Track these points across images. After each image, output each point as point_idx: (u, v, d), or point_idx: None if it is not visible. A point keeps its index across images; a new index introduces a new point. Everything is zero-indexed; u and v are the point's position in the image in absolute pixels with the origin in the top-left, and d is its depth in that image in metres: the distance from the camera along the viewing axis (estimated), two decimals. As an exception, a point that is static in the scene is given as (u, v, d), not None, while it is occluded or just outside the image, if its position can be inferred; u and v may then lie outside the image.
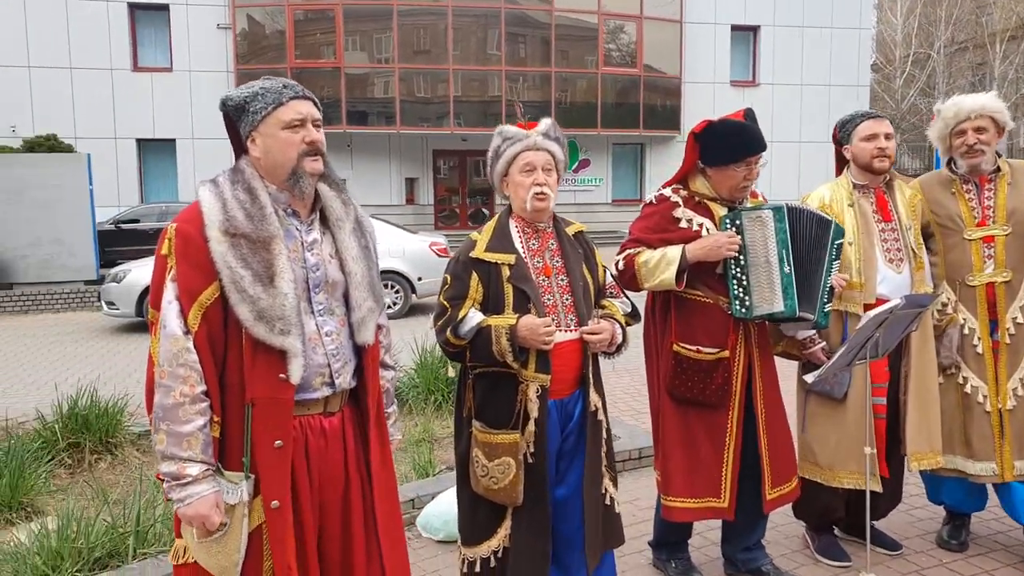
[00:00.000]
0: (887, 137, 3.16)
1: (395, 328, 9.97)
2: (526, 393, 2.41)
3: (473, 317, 2.42)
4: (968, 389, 3.26)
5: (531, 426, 2.41)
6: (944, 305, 3.25)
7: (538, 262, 2.53)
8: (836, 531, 3.47)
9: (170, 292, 1.82)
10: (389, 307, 10.25)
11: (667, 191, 3.04)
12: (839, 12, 24.84)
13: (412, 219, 21.76)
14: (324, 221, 2.01)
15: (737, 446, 2.98)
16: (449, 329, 2.43)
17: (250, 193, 1.88)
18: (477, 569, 2.51)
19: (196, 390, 1.78)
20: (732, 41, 24.41)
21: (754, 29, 24.64)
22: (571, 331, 2.49)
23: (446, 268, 2.53)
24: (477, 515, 2.52)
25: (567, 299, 2.51)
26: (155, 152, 21.42)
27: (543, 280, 2.51)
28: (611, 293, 2.73)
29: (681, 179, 3.07)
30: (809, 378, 2.79)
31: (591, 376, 2.54)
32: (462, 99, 22.34)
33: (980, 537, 3.51)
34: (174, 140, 21.16)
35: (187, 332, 1.79)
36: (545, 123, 2.55)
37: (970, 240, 3.19)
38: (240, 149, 1.99)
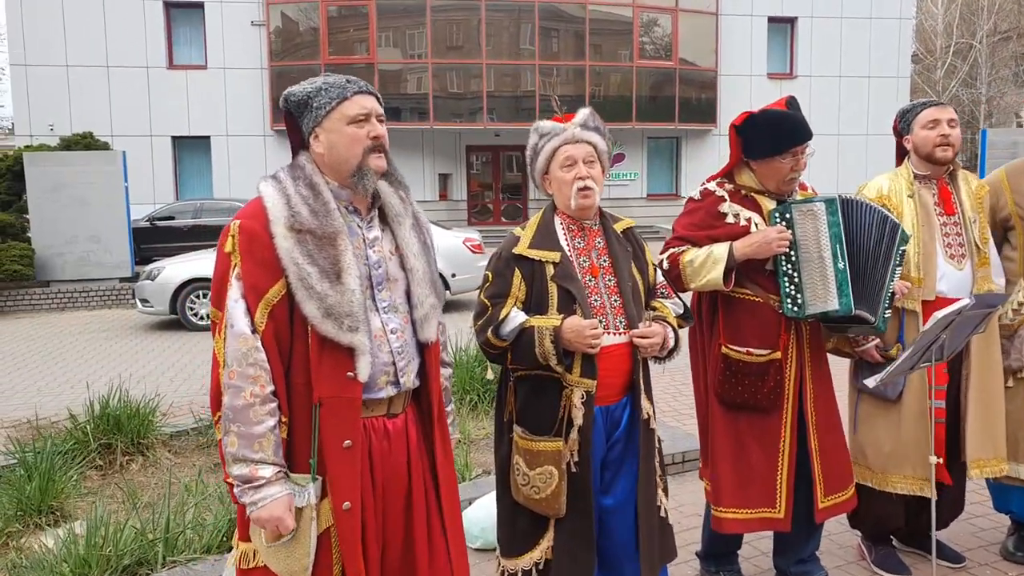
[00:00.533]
0: (951, 124, 2.96)
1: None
2: (570, 399, 2.27)
3: (515, 317, 2.29)
4: (1040, 393, 3.06)
5: (575, 434, 2.27)
6: (1021, 304, 3.04)
7: (584, 261, 2.39)
8: (894, 542, 3.29)
9: (236, 290, 1.77)
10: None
11: (711, 185, 2.88)
12: (879, 2, 24.28)
13: (445, 215, 21.72)
14: (383, 218, 1.98)
15: (792, 452, 2.82)
16: (490, 329, 2.30)
17: (312, 189, 1.84)
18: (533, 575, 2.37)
19: (266, 390, 1.75)
20: (769, 33, 23.98)
21: (791, 21, 24.18)
22: (620, 334, 2.34)
23: (487, 265, 2.40)
24: (517, 525, 2.38)
25: (615, 300, 2.36)
26: (190, 149, 21.64)
27: (590, 280, 2.36)
28: (662, 293, 2.58)
29: (727, 173, 2.91)
30: (870, 382, 2.61)
31: (641, 382, 2.39)
32: (495, 94, 22.24)
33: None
34: (208, 137, 21.35)
35: (255, 331, 1.76)
36: (583, 113, 2.41)
37: (1055, 235, 2.98)
38: (299, 146, 1.95)
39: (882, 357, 2.95)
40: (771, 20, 23.95)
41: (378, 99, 1.93)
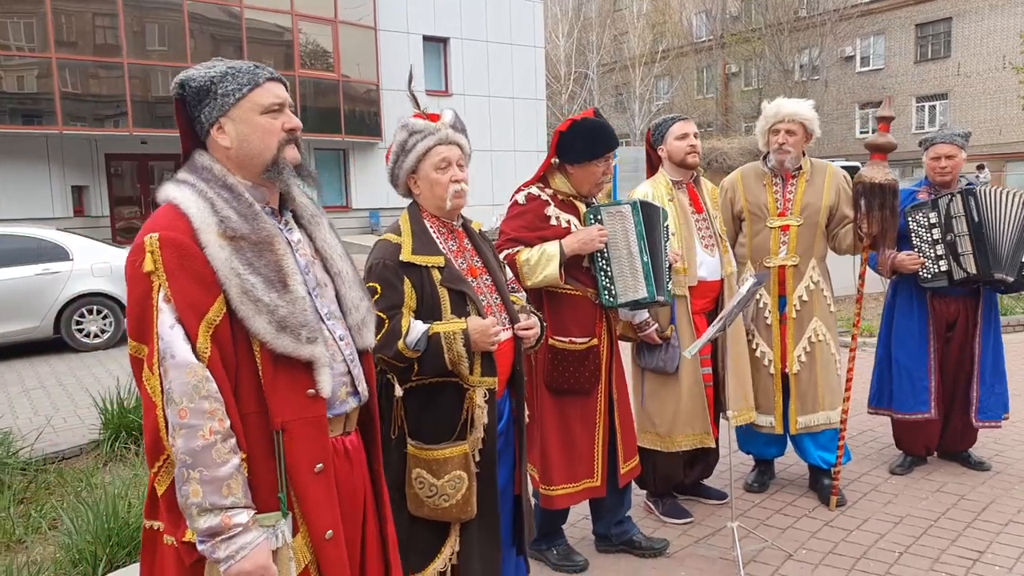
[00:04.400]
0: (695, 136, 3.56)
1: (109, 360, 8.87)
2: (473, 399, 2.29)
3: (416, 326, 2.24)
4: (758, 354, 3.82)
5: (478, 432, 2.30)
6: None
7: (462, 263, 2.41)
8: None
9: (168, 315, 1.52)
10: (96, 336, 8.93)
11: (534, 190, 3.11)
12: (517, 30, 26.94)
13: (83, 233, 19.03)
14: (296, 219, 1.81)
15: (605, 427, 3.17)
16: (400, 341, 2.22)
17: (230, 191, 1.64)
18: None
19: (225, 425, 1.53)
20: (425, 51, 25.19)
21: (444, 40, 25.71)
22: (506, 329, 2.43)
23: (367, 276, 2.27)
24: (415, 540, 2.31)
25: (496, 298, 2.44)
26: None
27: (471, 281, 2.40)
28: (513, 288, 2.72)
29: (540, 179, 3.16)
30: (688, 352, 3.06)
31: (523, 373, 2.50)
32: (141, 98, 20.12)
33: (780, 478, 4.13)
34: None
35: (199, 359, 1.52)
36: (450, 114, 2.43)
37: (771, 228, 3.74)
38: (191, 141, 1.70)
39: (660, 338, 3.44)
40: (426, 39, 25.19)
41: (286, 86, 1.77)
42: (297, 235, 1.78)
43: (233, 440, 1.54)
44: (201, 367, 1.52)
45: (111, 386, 5.48)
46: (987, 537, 3.41)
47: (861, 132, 33.91)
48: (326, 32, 23.04)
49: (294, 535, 1.63)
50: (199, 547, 1.52)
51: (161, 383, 1.52)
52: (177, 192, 1.62)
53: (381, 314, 2.20)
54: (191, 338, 1.52)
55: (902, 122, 34.17)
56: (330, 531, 1.66)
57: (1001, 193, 3.86)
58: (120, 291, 9.22)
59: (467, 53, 25.90)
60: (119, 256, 9.57)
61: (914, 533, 3.48)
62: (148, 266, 1.53)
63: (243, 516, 1.53)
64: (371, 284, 2.25)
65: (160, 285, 1.53)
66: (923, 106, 33.48)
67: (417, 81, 24.79)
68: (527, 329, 2.43)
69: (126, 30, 19.57)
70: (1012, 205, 3.82)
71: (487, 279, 2.44)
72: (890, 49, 34.87)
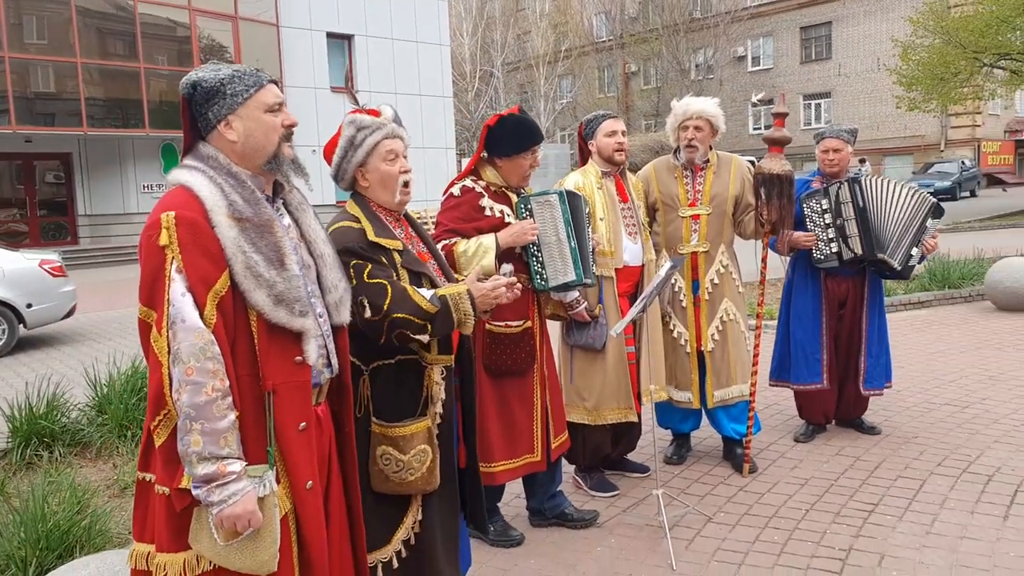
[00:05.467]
0: (623, 133, 3.79)
1: (4, 369, 8.45)
2: (431, 377, 2.42)
3: (422, 291, 2.36)
4: (675, 334, 4.08)
5: (436, 408, 2.43)
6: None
7: (412, 249, 2.53)
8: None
9: (179, 284, 1.71)
10: (-11, 344, 8.47)
11: (468, 182, 3.26)
12: (422, 27, 26.86)
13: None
14: (285, 206, 2.01)
15: (542, 404, 3.35)
16: (419, 297, 2.31)
17: (235, 178, 1.84)
18: (394, 565, 2.43)
19: (225, 384, 1.72)
20: (329, 48, 24.83)
21: (349, 38, 25.40)
22: None
23: (348, 258, 2.30)
24: (380, 514, 2.40)
25: (442, 281, 2.57)
26: None
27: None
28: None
29: (472, 172, 3.31)
30: (614, 331, 3.26)
31: (473, 352, 2.65)
32: (22, 94, 19.02)
33: (697, 450, 4.42)
34: None
35: (205, 325, 1.72)
36: (391, 110, 2.55)
37: (683, 217, 4.00)
38: (196, 135, 1.88)
39: (590, 317, 3.64)
40: (330, 35, 24.83)
41: (279, 88, 1.96)
42: (288, 220, 1.97)
43: (231, 398, 1.72)
44: (207, 331, 1.69)
45: (11, 395, 5.28)
46: (879, 492, 3.78)
47: (754, 129, 35.58)
48: (226, 28, 22.40)
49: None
50: (195, 492, 1.68)
51: (169, 344, 1.68)
52: (190, 176, 1.80)
53: (381, 280, 2.31)
54: (199, 306, 1.70)
55: (791, 118, 36.08)
56: (310, 482, 1.85)
57: (883, 182, 4.28)
58: (13, 295, 8.79)
59: (372, 50, 25.69)
60: (10, 260, 9.10)
61: (818, 492, 3.81)
62: (164, 240, 1.70)
63: (236, 466, 1.70)
64: (357, 261, 2.32)
65: (173, 258, 1.70)
66: (810, 104, 35.44)
67: (322, 78, 24.44)
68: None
69: (5, 23, 18.44)
70: (896, 194, 4.23)
71: (434, 264, 2.59)
72: (778, 50, 36.75)
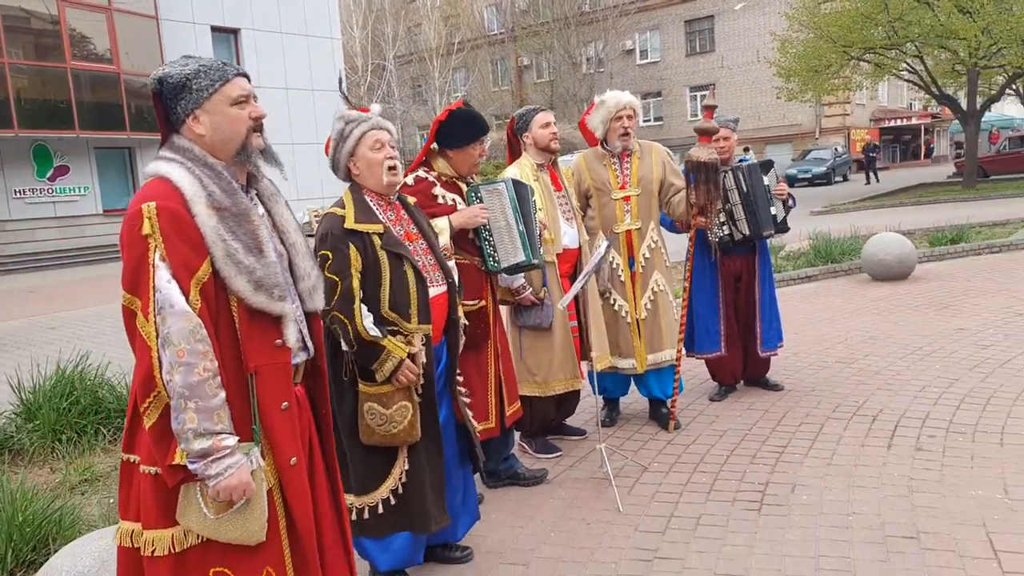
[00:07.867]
0: (554, 124, 4.11)
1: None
2: (412, 343, 2.67)
3: (372, 328, 2.58)
4: (616, 307, 4.46)
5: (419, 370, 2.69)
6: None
7: (399, 230, 2.78)
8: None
9: (164, 272, 1.77)
10: None
11: (421, 172, 3.50)
12: (311, 20, 26.37)
13: None
14: (258, 196, 2.06)
15: (496, 376, 3.64)
16: (360, 321, 2.54)
17: (211, 169, 1.89)
18: (379, 510, 2.70)
19: (215, 364, 1.79)
20: (214, 42, 24.03)
21: (235, 31, 24.69)
22: (441, 285, 2.84)
23: (319, 246, 2.57)
24: (370, 462, 2.69)
25: (431, 259, 2.84)
26: None
27: (408, 245, 2.76)
28: (446, 255, 3.11)
29: (423, 163, 3.56)
30: (560, 304, 3.60)
31: (461, 321, 2.94)
32: None
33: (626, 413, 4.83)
34: None
35: (193, 309, 1.78)
36: (377, 107, 2.81)
37: (615, 200, 4.38)
38: (170, 128, 1.94)
39: (536, 299, 3.96)
40: (215, 29, 24.04)
41: (249, 79, 2.01)
42: (261, 210, 2.03)
43: (220, 378, 1.80)
44: (195, 315, 1.77)
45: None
46: (786, 437, 4.29)
47: (644, 121, 36.93)
48: (100, 20, 21.30)
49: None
50: (191, 466, 1.77)
51: (157, 329, 1.74)
52: (168, 168, 1.86)
53: (334, 276, 2.54)
54: (184, 292, 1.77)
55: (678, 110, 37.75)
56: (294, 458, 1.94)
57: (759, 167, 4.78)
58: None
59: (260, 44, 25.02)
60: None
61: (735, 440, 4.29)
62: (146, 229, 1.76)
63: (230, 440, 1.79)
64: (324, 251, 2.57)
65: (156, 246, 1.76)
66: (696, 95, 37.04)
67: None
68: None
69: None
70: (766, 176, 4.77)
71: (422, 243, 2.85)
72: (664, 43, 38.23)
